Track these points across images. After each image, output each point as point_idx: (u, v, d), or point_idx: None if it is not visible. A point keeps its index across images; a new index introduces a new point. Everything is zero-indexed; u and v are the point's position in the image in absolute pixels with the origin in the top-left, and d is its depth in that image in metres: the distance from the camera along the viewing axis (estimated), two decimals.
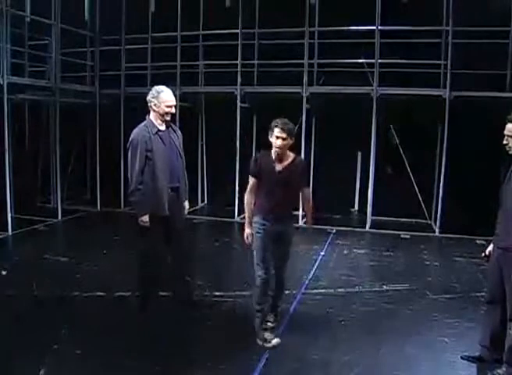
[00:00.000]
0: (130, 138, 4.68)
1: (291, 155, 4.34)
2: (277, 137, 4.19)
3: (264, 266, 4.32)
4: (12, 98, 8.64)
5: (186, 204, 5.05)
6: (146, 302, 4.85)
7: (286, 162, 4.29)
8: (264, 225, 4.32)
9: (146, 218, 4.62)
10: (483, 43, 8.18)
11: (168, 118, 4.76)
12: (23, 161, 10.10)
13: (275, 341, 4.34)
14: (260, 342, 4.34)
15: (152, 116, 4.75)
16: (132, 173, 4.63)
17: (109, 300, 5.29)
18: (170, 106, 4.73)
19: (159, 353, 4.14)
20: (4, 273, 5.59)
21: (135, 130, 4.71)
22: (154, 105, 4.70)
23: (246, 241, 4.41)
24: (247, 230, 4.39)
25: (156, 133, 4.69)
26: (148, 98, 4.74)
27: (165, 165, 4.68)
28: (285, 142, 4.20)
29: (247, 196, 4.41)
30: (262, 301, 4.43)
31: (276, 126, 4.19)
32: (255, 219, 4.36)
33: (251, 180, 4.37)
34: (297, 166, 4.32)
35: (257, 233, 4.33)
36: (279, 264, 4.42)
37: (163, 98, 4.70)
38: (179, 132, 4.98)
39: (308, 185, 4.60)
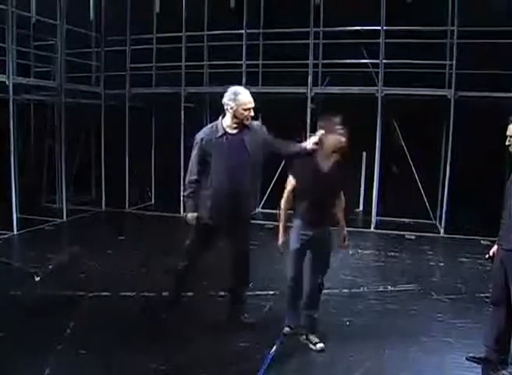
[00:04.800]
0: (195, 137, 4.53)
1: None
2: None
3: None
4: (18, 98, 8.67)
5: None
6: (174, 302, 4.82)
7: None
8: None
9: (192, 216, 4.45)
10: (488, 43, 8.14)
11: (247, 122, 4.37)
12: (28, 161, 10.16)
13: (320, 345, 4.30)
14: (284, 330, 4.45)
15: (226, 118, 4.41)
16: (188, 171, 4.53)
17: (114, 300, 5.29)
18: (248, 109, 4.33)
19: (163, 353, 4.14)
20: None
21: (201, 131, 4.53)
22: (231, 107, 4.31)
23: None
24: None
25: (221, 136, 4.37)
26: (224, 100, 4.36)
27: (224, 171, 4.33)
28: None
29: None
30: (292, 304, 4.47)
31: None
32: None
33: None
34: None
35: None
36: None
37: (241, 100, 4.30)
38: (260, 131, 4.51)
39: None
